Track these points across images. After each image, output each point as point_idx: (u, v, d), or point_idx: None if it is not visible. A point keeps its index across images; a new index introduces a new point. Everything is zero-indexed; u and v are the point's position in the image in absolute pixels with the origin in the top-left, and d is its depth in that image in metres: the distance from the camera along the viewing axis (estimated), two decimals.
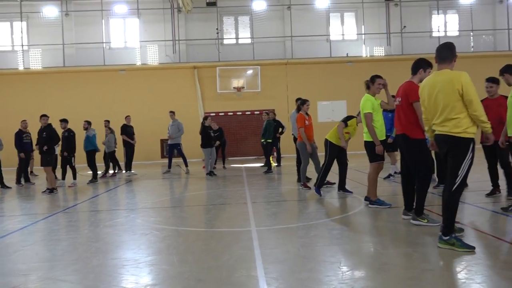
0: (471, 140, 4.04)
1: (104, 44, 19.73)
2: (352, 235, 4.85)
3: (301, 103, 8.32)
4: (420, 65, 5.05)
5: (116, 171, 13.36)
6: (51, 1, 19.82)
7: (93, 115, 16.51)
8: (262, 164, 13.90)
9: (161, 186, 10.70)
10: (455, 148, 4.08)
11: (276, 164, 14.01)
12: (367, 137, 6.15)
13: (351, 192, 7.50)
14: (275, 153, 14.12)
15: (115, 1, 19.96)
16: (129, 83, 19.44)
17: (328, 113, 18.70)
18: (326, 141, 7.49)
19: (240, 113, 19.68)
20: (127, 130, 13.21)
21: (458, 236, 4.13)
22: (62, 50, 19.32)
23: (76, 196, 9.21)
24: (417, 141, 4.97)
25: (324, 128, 9.94)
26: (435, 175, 8.00)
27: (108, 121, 13.35)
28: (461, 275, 3.42)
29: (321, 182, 7.47)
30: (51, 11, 19.80)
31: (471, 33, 20.77)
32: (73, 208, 7.58)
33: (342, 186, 7.56)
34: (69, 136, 10.89)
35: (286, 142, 16.06)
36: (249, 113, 19.69)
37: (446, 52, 4.21)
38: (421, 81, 4.85)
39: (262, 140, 12.89)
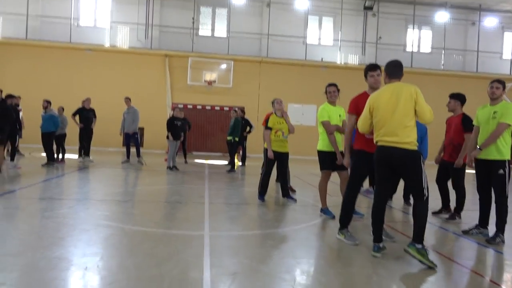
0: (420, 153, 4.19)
1: (72, 20, 18.71)
2: (310, 248, 4.55)
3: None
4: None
5: (62, 157, 12.12)
6: None
7: (52, 94, 15.56)
8: (227, 162, 13.51)
9: (116, 177, 10.10)
10: (408, 161, 4.09)
11: (241, 164, 13.67)
12: (320, 147, 5.95)
13: (294, 199, 7.25)
14: (240, 152, 13.78)
15: None
16: (95, 64, 18.53)
17: (298, 116, 18.44)
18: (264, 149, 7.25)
19: (209, 107, 19.20)
20: (81, 113, 12.31)
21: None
22: (26, 21, 18.16)
23: (20, 180, 8.49)
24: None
25: None
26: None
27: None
28: None
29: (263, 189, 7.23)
30: None
31: (443, 51, 21.23)
32: (13, 194, 6.92)
33: (285, 193, 7.31)
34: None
35: (253, 142, 15.79)
36: (218, 108, 19.23)
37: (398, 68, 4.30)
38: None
39: (229, 138, 12.47)
